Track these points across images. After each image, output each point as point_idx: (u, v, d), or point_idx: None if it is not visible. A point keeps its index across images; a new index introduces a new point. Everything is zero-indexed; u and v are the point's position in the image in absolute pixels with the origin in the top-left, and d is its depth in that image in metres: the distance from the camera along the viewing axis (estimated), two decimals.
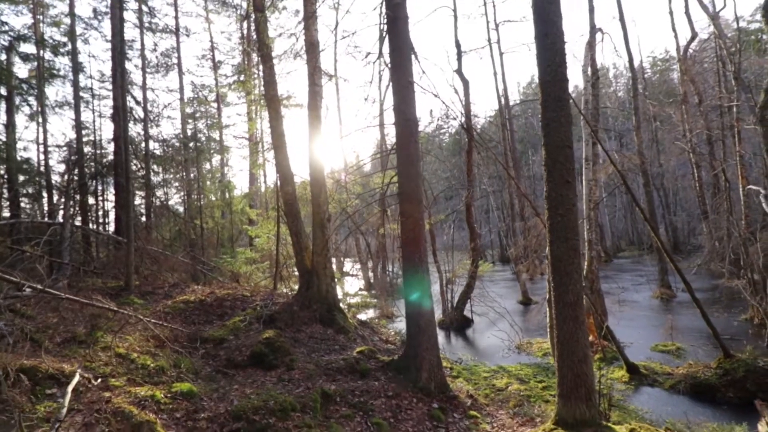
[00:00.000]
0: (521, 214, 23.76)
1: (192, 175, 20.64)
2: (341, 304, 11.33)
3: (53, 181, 18.19)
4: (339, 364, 6.52)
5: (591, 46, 12.76)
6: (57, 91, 21.73)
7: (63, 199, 17.47)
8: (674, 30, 22.16)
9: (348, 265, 34.28)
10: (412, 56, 7.04)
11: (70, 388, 3.20)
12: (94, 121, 20.41)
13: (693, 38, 20.69)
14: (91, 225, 18.41)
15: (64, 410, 2.68)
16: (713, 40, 20.73)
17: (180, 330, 6.97)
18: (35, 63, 17.85)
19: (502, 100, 26.20)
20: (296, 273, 10.68)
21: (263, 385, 5.69)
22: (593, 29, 12.84)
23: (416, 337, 6.34)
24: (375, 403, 5.69)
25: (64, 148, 20.04)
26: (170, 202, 22.09)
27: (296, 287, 9.97)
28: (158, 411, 4.64)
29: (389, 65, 6.92)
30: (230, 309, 8.35)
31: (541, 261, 18.36)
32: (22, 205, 16.98)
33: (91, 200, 19.11)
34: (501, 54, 26.02)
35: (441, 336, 12.72)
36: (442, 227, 28.22)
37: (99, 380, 4.26)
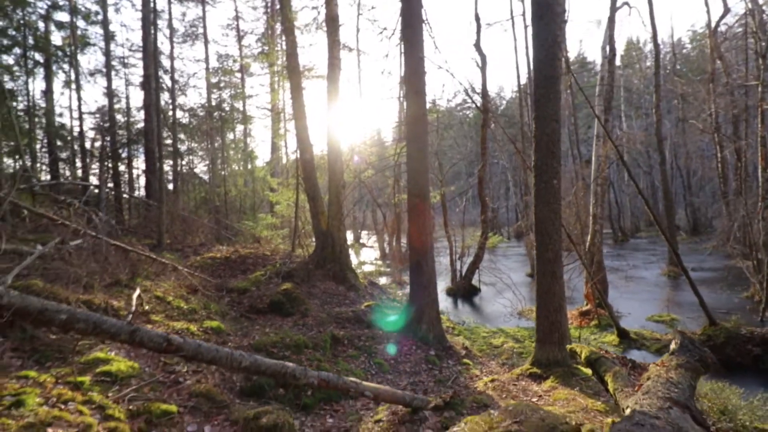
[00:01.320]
0: None
1: (216, 144, 21.46)
2: (356, 271, 12.11)
3: (86, 147, 19.25)
4: (348, 315, 7.27)
5: (611, 21, 12.74)
6: (89, 59, 22.61)
7: (98, 164, 18.59)
8: (706, 4, 21.41)
9: (364, 239, 35.20)
10: (426, 32, 7.43)
11: (135, 295, 3.98)
12: (126, 88, 21.26)
13: (725, 13, 20.01)
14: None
15: (134, 307, 3.43)
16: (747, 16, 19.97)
17: (208, 280, 7.81)
18: (68, 31, 18.61)
19: (523, 75, 25.96)
20: (313, 240, 11.43)
21: (281, 328, 6.49)
22: (614, 4, 12.76)
23: (418, 293, 7.01)
24: (378, 348, 6.44)
25: (97, 115, 21.02)
26: (195, 171, 23.10)
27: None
28: (192, 339, 5.48)
29: (402, 40, 7.34)
30: (252, 265, 9.18)
31: None
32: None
33: (121, 167, 20.21)
34: (525, 27, 25.54)
35: (449, 302, 13.44)
36: (457, 202, 28.60)
37: (146, 306, 5.05)
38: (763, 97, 16.18)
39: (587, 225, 11.48)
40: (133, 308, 3.36)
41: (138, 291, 4.26)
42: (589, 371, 4.75)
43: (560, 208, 4.73)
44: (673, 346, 3.28)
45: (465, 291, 14.00)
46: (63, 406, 3.57)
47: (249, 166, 21.39)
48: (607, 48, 12.48)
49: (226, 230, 15.74)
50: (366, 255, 25.68)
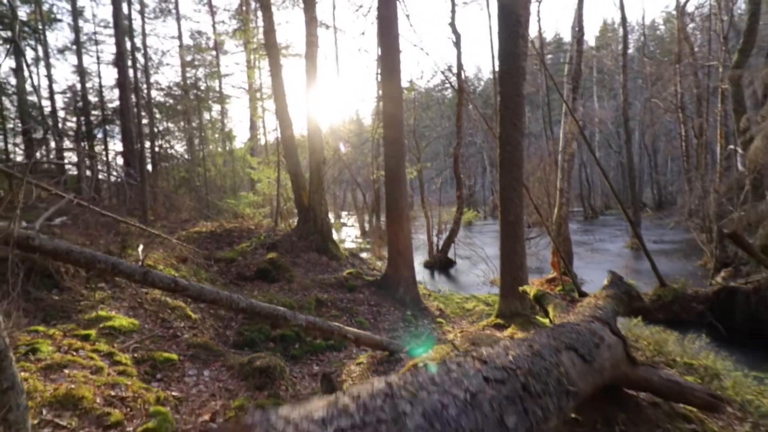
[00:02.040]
0: None
1: (194, 124, 21.29)
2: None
3: (59, 126, 18.87)
4: (331, 281, 7.76)
5: (581, 1, 13.23)
6: (56, 36, 21.94)
7: (73, 144, 18.32)
8: None
9: (345, 219, 35.58)
10: (401, 10, 7.77)
11: (140, 248, 4.34)
12: (98, 66, 20.77)
13: None
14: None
15: (141, 256, 3.80)
16: None
17: (197, 251, 8.14)
18: (33, 5, 18.00)
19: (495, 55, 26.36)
20: (295, 219, 11.78)
21: (268, 292, 6.94)
22: None
23: (395, 259, 7.54)
24: (359, 309, 6.97)
25: (68, 94, 20.51)
26: (173, 151, 22.87)
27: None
28: (186, 302, 5.87)
29: (378, 18, 7.66)
30: (237, 238, 9.52)
31: None
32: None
33: (97, 147, 19.92)
34: None
35: (426, 274, 14.09)
36: (436, 182, 29.24)
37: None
38: (723, 77, 17.11)
39: (555, 199, 12.18)
40: (141, 257, 3.73)
41: (141, 246, 4.62)
42: (546, 320, 5.38)
43: (522, 176, 5.26)
44: (605, 282, 3.85)
45: (441, 264, 14.67)
46: (75, 353, 3.98)
47: (228, 146, 21.36)
48: (576, 28, 13.01)
49: (207, 209, 15.90)
50: (347, 234, 26.13)
